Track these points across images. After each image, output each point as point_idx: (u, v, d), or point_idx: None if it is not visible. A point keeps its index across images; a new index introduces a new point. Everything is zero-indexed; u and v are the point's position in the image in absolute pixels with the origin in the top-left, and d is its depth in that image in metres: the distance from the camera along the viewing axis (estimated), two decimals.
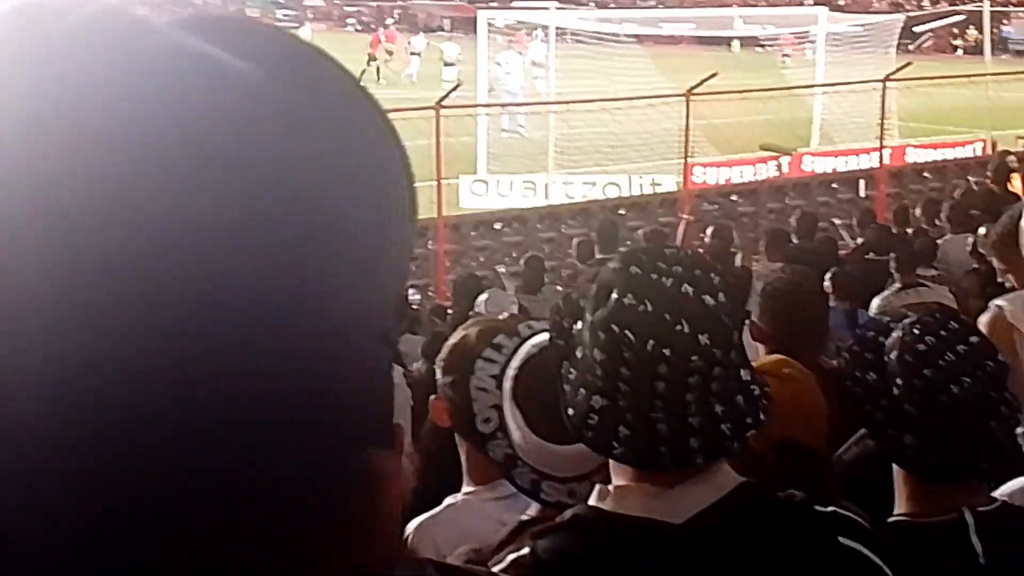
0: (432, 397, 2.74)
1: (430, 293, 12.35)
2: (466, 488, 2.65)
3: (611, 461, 1.77)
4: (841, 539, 1.71)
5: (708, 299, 1.66)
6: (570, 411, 1.75)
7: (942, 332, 2.16)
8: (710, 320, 1.65)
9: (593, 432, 1.71)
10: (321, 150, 0.50)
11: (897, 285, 7.56)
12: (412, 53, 37.10)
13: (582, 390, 1.72)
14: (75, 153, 0.43)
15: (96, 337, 0.42)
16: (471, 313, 8.01)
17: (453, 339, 2.77)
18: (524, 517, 2.23)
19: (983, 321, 3.59)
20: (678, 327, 1.63)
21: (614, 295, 1.67)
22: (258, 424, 0.46)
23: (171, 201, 0.43)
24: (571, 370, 1.76)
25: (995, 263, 4.24)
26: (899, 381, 2.15)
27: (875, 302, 7.32)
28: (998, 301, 3.93)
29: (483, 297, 8.41)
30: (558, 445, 2.08)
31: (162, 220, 0.43)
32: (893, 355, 2.17)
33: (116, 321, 0.42)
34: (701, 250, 8.27)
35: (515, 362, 2.16)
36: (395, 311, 0.57)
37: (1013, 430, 2.23)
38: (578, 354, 1.74)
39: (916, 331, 2.16)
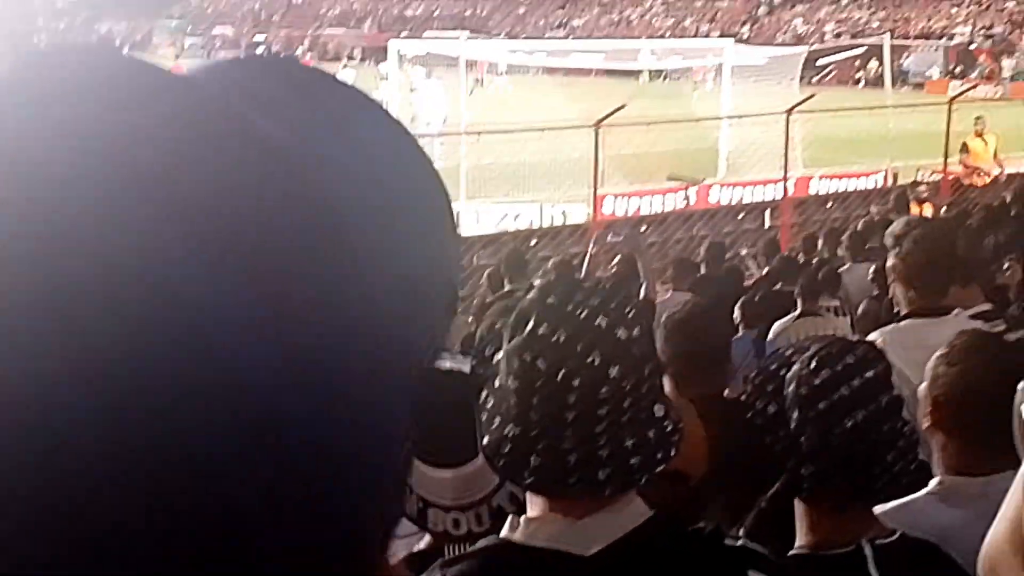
0: None
1: None
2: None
3: (527, 494, 1.78)
4: (750, 572, 1.73)
5: (621, 332, 1.67)
6: (485, 439, 1.76)
7: (838, 366, 2.19)
8: (622, 353, 1.66)
9: (505, 460, 1.72)
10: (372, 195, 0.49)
11: (795, 313, 7.68)
12: None
13: (497, 418, 1.73)
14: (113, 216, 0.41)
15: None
16: None
17: None
18: (415, 549, 2.23)
19: None
20: (589, 359, 1.64)
21: (530, 324, 1.68)
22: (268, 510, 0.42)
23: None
24: (489, 399, 1.77)
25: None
26: (796, 413, 2.18)
27: (774, 328, 7.46)
28: (873, 333, 4.03)
29: None
30: (437, 468, 2.09)
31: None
32: (791, 388, 2.21)
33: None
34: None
35: None
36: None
37: (911, 461, 2.27)
38: (496, 383, 1.75)
39: (814, 364, 2.19)
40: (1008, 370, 2.63)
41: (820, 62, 48.72)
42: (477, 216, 17.96)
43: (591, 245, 8.37)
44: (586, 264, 8.04)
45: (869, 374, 2.20)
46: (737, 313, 7.95)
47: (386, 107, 0.55)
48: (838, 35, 60.58)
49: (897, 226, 4.23)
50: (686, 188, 18.37)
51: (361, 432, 0.46)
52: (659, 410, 1.74)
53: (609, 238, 8.01)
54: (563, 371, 1.64)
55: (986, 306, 3.93)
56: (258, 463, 0.42)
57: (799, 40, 55.26)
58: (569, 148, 17.04)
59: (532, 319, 1.69)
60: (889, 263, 4.22)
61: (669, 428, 1.75)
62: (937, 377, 2.70)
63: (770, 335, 7.42)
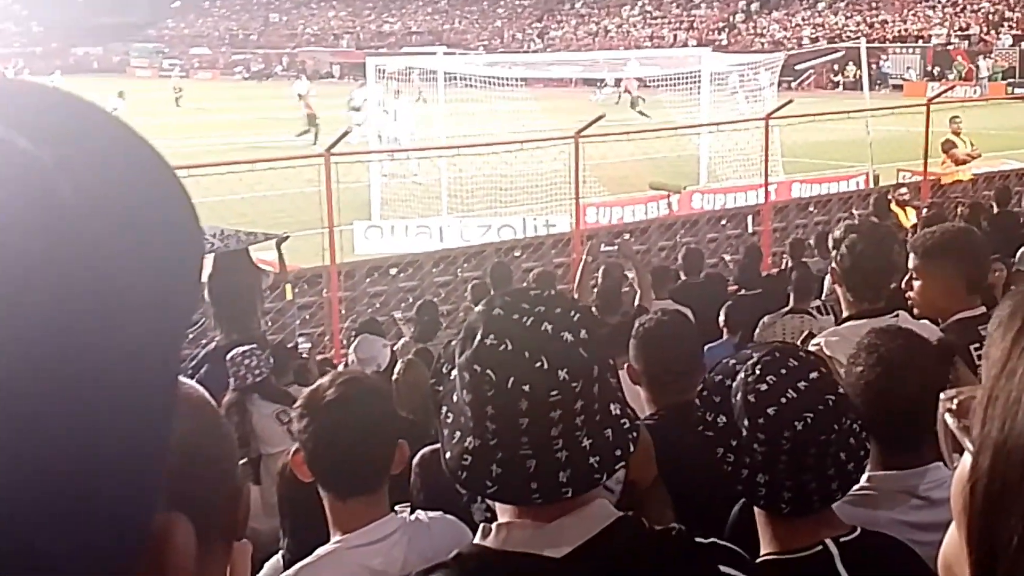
0: (294, 451, 2.75)
1: (325, 340, 12.24)
2: (333, 540, 2.66)
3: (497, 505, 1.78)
4: (723, 567, 1.75)
5: (567, 335, 1.69)
6: (447, 454, 1.76)
7: (782, 371, 2.19)
8: (569, 356, 1.68)
9: (467, 473, 1.72)
10: (94, 203, 0.50)
11: (785, 309, 7.75)
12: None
13: (457, 432, 1.74)
14: None
15: None
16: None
17: (309, 388, 2.79)
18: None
19: None
20: (537, 364, 1.66)
21: (477, 337, 1.70)
22: (36, 490, 0.45)
23: None
24: (448, 414, 1.78)
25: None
26: (745, 422, 2.18)
27: (763, 322, 7.54)
28: (816, 337, 4.09)
29: (354, 344, 8.31)
30: None
31: None
32: (738, 397, 2.20)
33: None
34: (596, 291, 8.32)
35: None
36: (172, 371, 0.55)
37: (863, 458, 2.29)
38: (453, 398, 1.76)
39: (757, 371, 2.19)
40: (899, 366, 2.65)
41: (799, 67, 48.94)
42: (460, 230, 17.97)
43: (584, 254, 8.39)
44: (579, 274, 8.05)
45: (814, 375, 2.20)
46: (721, 318, 7.99)
47: (122, 120, 0.56)
48: (815, 40, 60.87)
49: (836, 231, 4.30)
50: (668, 196, 18.40)
51: (111, 427, 0.48)
52: (615, 408, 1.75)
53: (603, 247, 8.03)
54: (512, 378, 1.65)
55: (980, 309, 3.94)
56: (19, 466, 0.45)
57: (777, 46, 55.52)
58: (550, 160, 17.07)
59: (479, 332, 1.70)
60: (830, 267, 4.29)
61: (626, 426, 1.76)
62: (848, 376, 2.72)
63: (758, 329, 7.47)
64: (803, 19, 67.53)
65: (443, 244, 16.68)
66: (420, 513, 2.79)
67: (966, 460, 0.75)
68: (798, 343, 4.00)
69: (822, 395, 2.17)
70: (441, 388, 1.82)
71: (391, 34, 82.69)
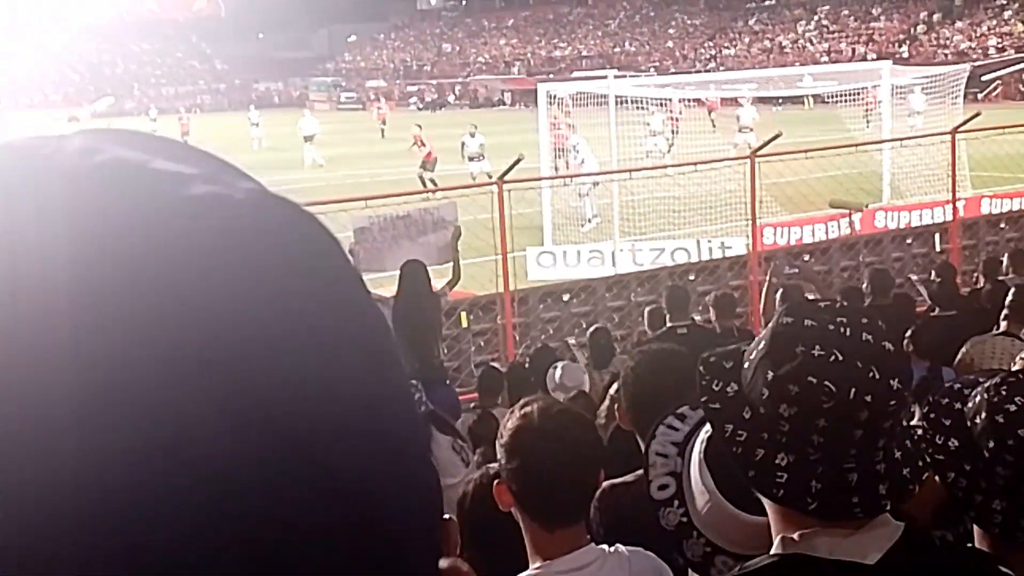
0: (495, 482, 2.75)
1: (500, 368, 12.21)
2: (535, 566, 2.68)
3: (774, 513, 1.79)
4: (1001, 568, 1.79)
5: (887, 345, 1.72)
6: (751, 472, 1.75)
7: None
8: (895, 365, 1.72)
9: (784, 490, 1.73)
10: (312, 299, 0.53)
11: (998, 331, 7.20)
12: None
13: (760, 450, 1.74)
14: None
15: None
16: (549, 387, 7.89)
17: (513, 421, 2.73)
18: None
19: None
20: (871, 374, 1.67)
21: (799, 348, 1.70)
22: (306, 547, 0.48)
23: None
24: (739, 432, 1.77)
25: None
26: (990, 444, 2.09)
27: (971, 341, 6.99)
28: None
29: (557, 372, 8.24)
30: (746, 513, 2.06)
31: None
32: (980, 417, 2.12)
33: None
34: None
35: (707, 427, 2.14)
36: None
37: None
38: (745, 414, 1.76)
39: (1003, 392, 2.11)
40: None
41: (985, 78, 47.18)
42: (632, 254, 17.79)
43: (769, 275, 8.20)
44: (764, 296, 7.85)
45: None
46: (907, 343, 7.59)
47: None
48: (1001, 49, 58.60)
49: None
50: (850, 215, 17.82)
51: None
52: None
53: (786, 269, 7.85)
54: (854, 389, 1.65)
55: None
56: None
57: (961, 57, 53.60)
58: (724, 180, 16.75)
59: (800, 343, 1.70)
60: None
61: (916, 436, 1.88)
62: None
63: (965, 348, 6.95)
64: (988, 28, 65.11)
65: (616, 269, 16.53)
66: (620, 546, 2.79)
67: None
68: (1010, 367, 3.76)
69: None
70: (717, 405, 1.81)
71: (562, 59, 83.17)
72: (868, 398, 1.65)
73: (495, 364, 10.22)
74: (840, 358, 1.67)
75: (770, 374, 1.72)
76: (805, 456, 1.69)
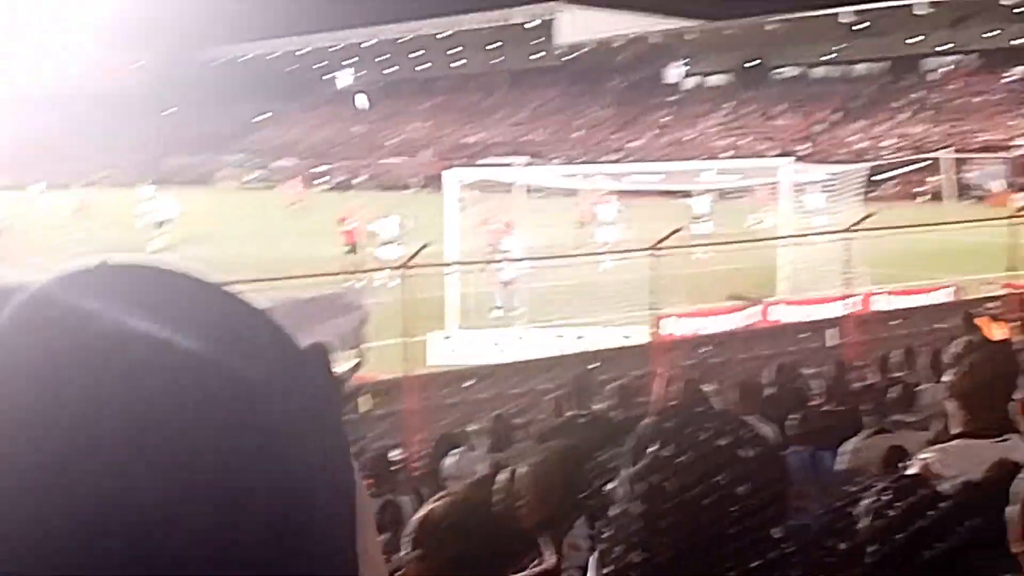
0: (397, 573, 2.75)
1: (399, 454, 12.14)
2: None
3: None
4: None
5: (743, 452, 1.72)
6: (607, 569, 1.73)
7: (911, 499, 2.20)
8: (746, 472, 1.70)
9: None
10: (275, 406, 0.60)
11: (870, 431, 7.50)
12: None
13: (618, 547, 1.72)
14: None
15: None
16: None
17: (421, 512, 2.75)
18: None
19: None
20: (715, 480, 1.67)
21: (652, 448, 1.70)
22: None
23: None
24: (608, 527, 1.76)
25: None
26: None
27: (849, 445, 7.27)
28: (926, 452, 4.00)
29: (451, 459, 8.23)
30: None
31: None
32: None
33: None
34: (673, 404, 8.17)
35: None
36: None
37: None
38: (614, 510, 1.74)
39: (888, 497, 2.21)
40: None
41: (878, 177, 48.68)
42: (535, 340, 17.89)
43: (658, 369, 8.29)
44: (657, 388, 7.94)
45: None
46: (791, 430, 7.82)
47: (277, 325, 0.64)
48: (899, 150, 60.55)
49: (953, 347, 4.15)
50: (746, 307, 18.17)
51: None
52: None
53: (686, 362, 7.98)
54: (694, 491, 1.66)
55: None
56: None
57: (858, 156, 55.24)
58: (624, 271, 17.00)
59: (656, 443, 1.70)
60: (947, 381, 4.14)
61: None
62: None
63: (841, 450, 7.21)
64: (885, 129, 67.28)
65: (520, 355, 16.59)
66: None
67: None
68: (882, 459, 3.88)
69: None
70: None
71: (472, 145, 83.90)
72: (704, 503, 1.66)
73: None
74: (687, 462, 1.67)
75: (626, 471, 1.74)
76: (657, 553, 1.68)
